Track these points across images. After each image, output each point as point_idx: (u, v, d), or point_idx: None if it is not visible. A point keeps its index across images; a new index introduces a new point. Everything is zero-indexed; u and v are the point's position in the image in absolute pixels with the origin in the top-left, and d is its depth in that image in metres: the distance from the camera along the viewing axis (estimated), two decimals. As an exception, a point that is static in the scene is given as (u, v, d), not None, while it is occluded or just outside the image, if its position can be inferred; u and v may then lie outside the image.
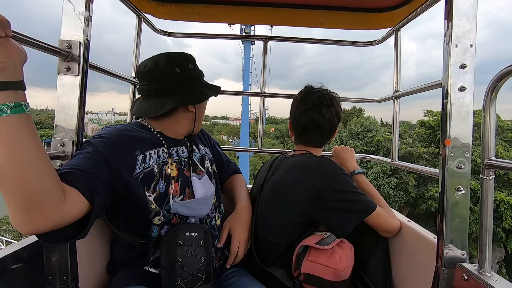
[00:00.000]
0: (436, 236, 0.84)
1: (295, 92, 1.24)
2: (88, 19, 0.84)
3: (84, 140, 0.84)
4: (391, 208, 1.16)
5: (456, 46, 0.77)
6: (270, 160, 1.25)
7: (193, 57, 0.98)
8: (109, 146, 0.79)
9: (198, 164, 1.01)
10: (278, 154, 1.25)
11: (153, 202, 0.85)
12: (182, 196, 0.91)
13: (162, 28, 1.63)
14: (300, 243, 0.98)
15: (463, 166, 0.77)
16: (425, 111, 20.01)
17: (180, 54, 0.96)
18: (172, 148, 0.95)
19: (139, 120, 0.99)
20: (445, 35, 0.79)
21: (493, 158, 0.68)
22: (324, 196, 0.97)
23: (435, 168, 1.00)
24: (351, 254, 1.01)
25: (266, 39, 1.62)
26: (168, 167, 0.90)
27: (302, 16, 1.44)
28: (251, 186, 1.31)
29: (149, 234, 0.87)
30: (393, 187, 16.75)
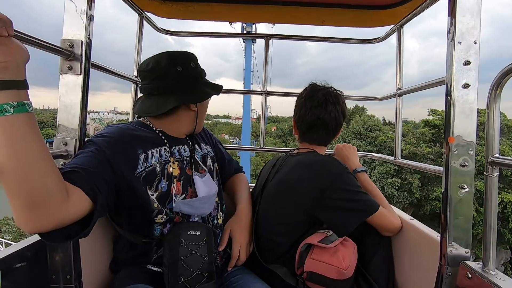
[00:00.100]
0: (439, 234, 0.83)
1: (297, 90, 1.23)
2: (90, 18, 0.84)
3: (86, 139, 0.84)
4: (393, 206, 1.15)
5: (460, 42, 0.76)
6: (273, 159, 1.25)
7: (195, 55, 0.98)
8: (111, 145, 0.79)
9: (200, 163, 1.01)
10: (282, 153, 1.24)
11: (156, 201, 0.85)
12: (184, 195, 0.91)
13: (163, 27, 1.63)
14: (303, 241, 0.97)
15: (466, 164, 0.77)
16: (429, 110, 19.80)
17: (182, 52, 0.96)
18: (174, 147, 0.95)
19: (141, 119, 0.99)
20: (448, 32, 0.79)
21: (497, 155, 0.67)
22: (329, 195, 0.96)
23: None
24: (354, 253, 1.00)
25: (267, 37, 1.61)
26: (170, 166, 0.90)
27: (304, 14, 1.43)
28: (253, 185, 1.31)
29: (151, 232, 0.87)
30: (397, 187, 16.63)
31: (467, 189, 0.77)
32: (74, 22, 0.83)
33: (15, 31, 0.56)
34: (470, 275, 0.72)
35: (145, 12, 1.44)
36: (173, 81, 0.92)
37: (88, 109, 0.89)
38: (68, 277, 0.79)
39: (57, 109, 0.85)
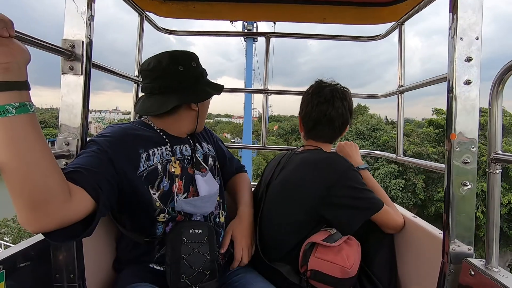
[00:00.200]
0: (442, 232, 0.83)
1: (299, 89, 1.23)
2: (91, 18, 0.84)
3: (88, 139, 0.84)
4: (396, 204, 1.15)
5: (461, 39, 0.76)
6: (278, 156, 1.23)
7: (196, 55, 0.98)
8: (113, 145, 0.80)
9: (201, 161, 1.01)
10: (287, 151, 1.23)
11: (157, 200, 0.85)
12: (186, 194, 0.92)
13: (164, 27, 1.63)
14: (307, 240, 0.97)
15: (469, 161, 0.76)
16: (433, 109, 19.49)
17: (184, 52, 0.96)
18: (175, 147, 0.95)
19: (142, 118, 0.99)
20: (450, 28, 0.78)
21: (499, 152, 0.67)
22: (334, 193, 0.95)
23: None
24: (358, 251, 1.00)
25: (268, 35, 1.61)
26: (172, 165, 0.91)
27: (305, 12, 1.42)
28: (255, 183, 1.31)
29: (154, 231, 0.88)
30: (400, 188, 16.42)
31: (469, 186, 0.76)
32: (75, 22, 0.83)
33: (16, 32, 0.57)
34: (472, 272, 0.71)
35: (146, 12, 1.44)
36: (175, 81, 0.92)
37: (90, 109, 0.90)
38: (72, 276, 0.80)
39: (59, 109, 0.85)
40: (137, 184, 0.82)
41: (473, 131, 0.77)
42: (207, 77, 1.02)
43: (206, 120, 1.12)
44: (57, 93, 0.86)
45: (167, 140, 0.94)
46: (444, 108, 0.82)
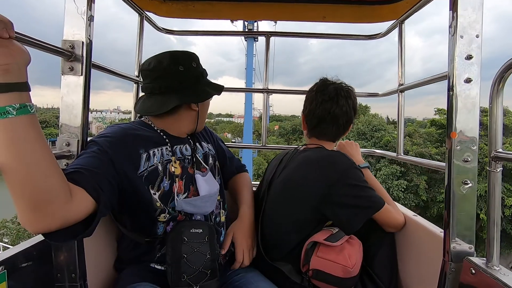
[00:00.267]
0: (442, 230, 0.83)
1: (299, 88, 1.22)
2: (90, 18, 0.84)
3: (89, 139, 0.85)
4: (397, 203, 1.15)
5: (461, 36, 0.76)
6: (280, 154, 1.23)
7: (196, 55, 0.98)
8: (114, 145, 0.80)
9: (201, 161, 1.01)
10: (289, 149, 1.22)
11: (158, 200, 0.86)
12: (186, 194, 0.92)
13: (165, 26, 1.63)
14: (309, 239, 0.97)
15: (469, 159, 0.76)
16: (435, 109, 19.29)
17: (184, 52, 0.96)
18: (175, 147, 0.95)
19: (142, 118, 0.99)
20: (450, 26, 0.78)
21: (500, 150, 0.67)
22: (335, 191, 0.95)
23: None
24: (360, 250, 1.00)
25: (268, 34, 1.61)
26: (172, 165, 0.91)
27: (304, 11, 1.42)
28: (256, 183, 1.31)
29: (155, 231, 0.88)
30: (403, 189, 16.28)
31: (470, 185, 0.76)
32: (75, 23, 0.83)
33: (16, 32, 0.57)
34: (473, 271, 0.71)
35: (146, 12, 1.44)
36: (175, 81, 0.92)
37: (91, 108, 0.90)
38: (73, 276, 0.80)
39: (59, 108, 0.86)
40: (138, 184, 0.82)
41: (473, 129, 0.76)
42: (208, 77, 1.02)
43: (207, 119, 1.12)
44: (59, 93, 0.86)
45: (167, 140, 0.94)
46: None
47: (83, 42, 0.83)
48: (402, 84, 1.38)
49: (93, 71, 0.89)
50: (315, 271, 0.93)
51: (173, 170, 0.91)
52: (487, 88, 0.70)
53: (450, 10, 0.78)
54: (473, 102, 0.76)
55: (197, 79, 0.96)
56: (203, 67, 1.01)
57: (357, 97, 1.15)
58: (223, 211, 1.05)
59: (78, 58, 0.83)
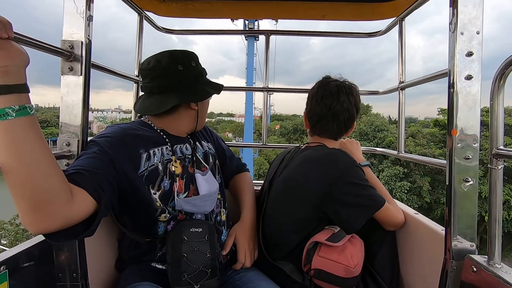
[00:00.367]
0: (444, 228, 0.82)
1: (300, 87, 1.22)
2: (89, 18, 0.84)
3: (89, 139, 0.85)
4: (397, 201, 1.14)
5: (462, 33, 0.75)
6: (282, 153, 1.22)
7: (196, 54, 0.98)
8: (114, 145, 0.80)
9: (201, 160, 1.01)
10: (290, 148, 1.22)
11: (158, 200, 0.86)
12: (186, 193, 0.92)
13: (165, 26, 1.63)
14: (310, 239, 0.96)
15: (470, 157, 0.76)
16: (439, 109, 18.96)
17: (183, 51, 0.96)
18: (175, 146, 0.95)
19: (142, 118, 0.99)
20: (450, 23, 0.77)
21: (501, 147, 0.66)
22: (337, 189, 0.94)
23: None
24: (362, 250, 0.99)
25: (268, 33, 1.60)
26: (172, 164, 0.91)
27: (304, 9, 1.42)
28: (256, 182, 1.31)
29: (155, 231, 0.88)
30: (406, 191, 16.02)
31: (471, 182, 0.76)
32: (74, 22, 0.83)
33: (14, 33, 0.57)
34: (475, 269, 0.71)
35: (145, 11, 1.44)
36: (174, 80, 0.92)
37: (93, 108, 0.90)
38: (75, 276, 0.81)
39: (60, 108, 0.86)
40: (138, 184, 0.82)
41: (474, 127, 0.76)
42: (209, 76, 1.02)
43: (207, 119, 1.12)
44: (59, 92, 0.86)
45: (167, 139, 0.94)
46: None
47: (82, 42, 0.83)
48: (402, 82, 1.37)
49: (93, 71, 0.89)
50: (316, 271, 0.92)
51: (173, 169, 0.91)
52: (489, 87, 0.70)
53: (450, 6, 0.78)
54: (473, 99, 0.76)
55: (196, 78, 0.96)
56: (204, 66, 1.01)
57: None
58: (223, 210, 1.05)
59: (77, 58, 0.83)
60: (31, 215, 0.58)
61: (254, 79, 16.62)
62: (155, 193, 0.85)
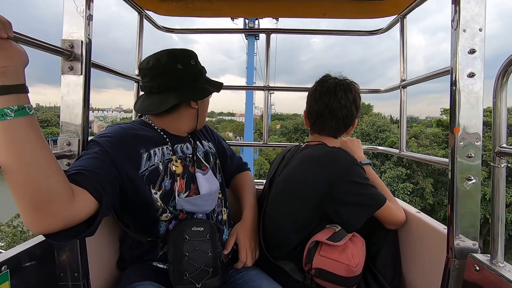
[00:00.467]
0: (446, 227, 0.82)
1: (300, 85, 1.21)
2: (89, 18, 0.84)
3: (89, 139, 0.85)
4: (399, 199, 1.14)
5: (464, 30, 0.74)
6: (283, 151, 1.22)
7: (195, 53, 0.98)
8: (114, 145, 0.80)
9: (202, 160, 1.01)
10: (291, 146, 1.22)
11: (159, 200, 0.85)
12: (187, 192, 0.92)
13: (166, 25, 1.63)
14: (311, 238, 0.96)
15: (473, 155, 0.75)
16: (442, 109, 18.82)
17: (182, 50, 0.96)
18: (176, 145, 0.95)
19: (142, 118, 0.99)
20: (452, 20, 0.77)
21: (504, 145, 0.66)
22: (337, 188, 0.94)
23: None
24: (363, 249, 0.99)
25: (268, 31, 1.60)
26: (173, 164, 0.91)
27: (305, 7, 1.41)
28: (257, 181, 1.30)
29: (157, 230, 0.88)
30: (408, 193, 15.89)
31: (473, 181, 0.75)
32: (74, 22, 0.83)
33: (14, 32, 0.57)
34: (478, 268, 0.71)
35: (145, 10, 1.44)
36: (173, 79, 0.92)
37: (93, 107, 0.90)
38: (76, 275, 0.81)
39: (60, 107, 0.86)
40: (139, 184, 0.82)
41: (477, 125, 0.75)
42: (210, 75, 1.02)
43: (208, 118, 1.12)
44: (60, 92, 0.86)
45: (167, 139, 0.94)
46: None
47: (82, 42, 0.83)
48: (404, 80, 1.36)
49: (94, 70, 0.88)
50: (318, 270, 0.92)
51: (174, 169, 0.90)
52: (490, 86, 0.69)
53: (452, 3, 0.77)
54: (476, 97, 0.75)
55: (195, 76, 0.96)
56: (204, 65, 1.00)
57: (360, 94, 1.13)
58: (225, 209, 1.05)
59: (77, 57, 0.83)
60: (32, 215, 0.58)
61: (255, 78, 16.59)
62: (156, 193, 0.85)
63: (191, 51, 0.97)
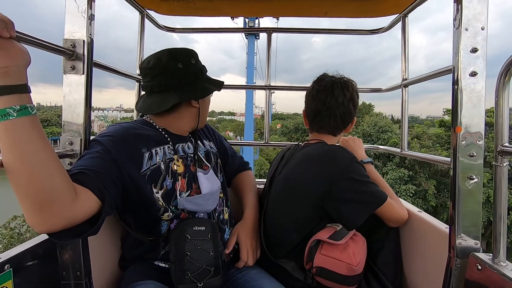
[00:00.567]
0: (448, 226, 0.82)
1: (301, 85, 1.22)
2: (91, 17, 0.84)
3: (91, 138, 0.85)
4: (400, 199, 1.14)
5: (466, 29, 0.74)
6: (282, 150, 1.22)
7: (195, 52, 0.98)
8: (116, 144, 0.80)
9: (203, 159, 1.01)
10: (291, 145, 1.22)
11: (160, 199, 0.86)
12: (189, 192, 0.92)
13: (167, 24, 1.63)
14: (312, 237, 0.96)
15: (475, 154, 0.75)
16: (444, 110, 18.66)
17: (183, 49, 0.96)
18: (177, 145, 0.95)
19: (144, 117, 0.99)
20: (454, 19, 0.76)
21: (507, 144, 0.66)
22: (337, 187, 0.94)
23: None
24: (364, 247, 0.99)
25: (270, 31, 1.59)
26: (174, 163, 0.91)
27: (306, 6, 1.41)
28: (261, 180, 1.30)
29: (158, 229, 0.88)
30: (411, 195, 15.70)
31: (475, 180, 0.75)
32: (76, 21, 0.83)
33: (16, 32, 0.57)
34: (480, 267, 0.71)
35: (146, 10, 1.44)
36: (174, 78, 0.92)
37: (94, 106, 0.90)
38: (78, 274, 0.81)
39: (61, 106, 0.86)
40: (141, 183, 0.82)
41: (479, 124, 0.75)
42: (209, 74, 1.02)
43: (209, 118, 1.12)
44: (61, 91, 0.86)
45: (169, 139, 0.94)
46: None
47: (84, 41, 0.83)
48: (405, 79, 1.36)
49: (95, 69, 0.89)
50: (319, 269, 0.92)
51: (175, 168, 0.91)
52: (491, 86, 0.69)
53: (454, 2, 0.77)
54: (478, 96, 0.75)
55: (196, 75, 0.96)
56: (205, 65, 1.00)
57: (360, 93, 1.13)
58: (226, 208, 1.05)
59: (79, 57, 0.83)
60: (35, 215, 0.58)
61: (255, 78, 16.56)
62: (157, 192, 0.85)
63: (192, 50, 0.97)
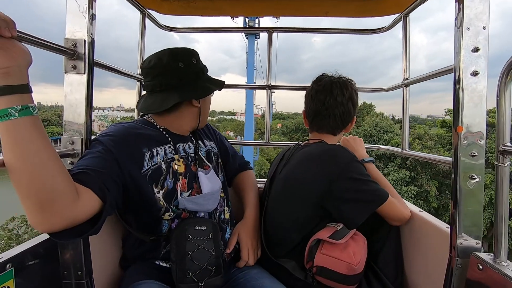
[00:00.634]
0: (449, 226, 0.82)
1: (302, 84, 1.22)
2: (92, 17, 0.84)
3: (92, 138, 0.85)
4: (401, 197, 1.14)
5: (468, 29, 0.74)
6: (282, 150, 1.22)
7: (196, 52, 0.98)
8: (117, 144, 0.80)
9: (204, 159, 1.01)
10: (291, 145, 1.22)
11: (161, 199, 0.86)
12: (189, 192, 0.92)
13: (167, 24, 1.63)
14: (313, 236, 0.96)
15: (476, 154, 0.75)
16: (446, 110, 18.57)
17: (184, 49, 0.96)
18: (178, 145, 0.95)
19: (145, 117, 0.99)
20: (456, 18, 0.76)
21: (508, 144, 0.66)
22: (337, 186, 0.94)
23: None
24: (365, 247, 0.99)
25: (270, 30, 1.59)
26: (175, 163, 0.91)
27: (307, 6, 1.41)
28: (262, 180, 1.30)
29: (159, 229, 0.89)
30: (413, 196, 15.62)
31: (477, 180, 0.75)
32: (77, 21, 0.83)
33: (18, 31, 0.57)
34: (481, 267, 0.70)
35: (147, 9, 1.44)
36: (175, 78, 0.92)
37: (94, 106, 0.90)
38: (79, 273, 0.81)
39: (62, 107, 0.86)
40: (141, 183, 0.82)
41: (480, 124, 0.75)
42: (210, 74, 1.02)
43: (209, 117, 1.12)
44: (62, 91, 0.86)
45: (169, 138, 0.94)
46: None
47: (85, 41, 0.83)
48: (407, 79, 1.36)
49: (96, 69, 0.89)
50: (319, 268, 0.92)
51: (176, 168, 0.91)
52: (492, 85, 0.69)
53: (456, 2, 0.76)
54: (480, 95, 0.75)
55: (197, 75, 0.96)
56: (205, 64, 1.00)
57: (361, 93, 1.13)
58: (227, 208, 1.05)
59: (80, 56, 0.83)
60: (37, 214, 0.58)
61: (255, 78, 16.54)
62: (158, 192, 0.85)
63: (193, 49, 0.97)
